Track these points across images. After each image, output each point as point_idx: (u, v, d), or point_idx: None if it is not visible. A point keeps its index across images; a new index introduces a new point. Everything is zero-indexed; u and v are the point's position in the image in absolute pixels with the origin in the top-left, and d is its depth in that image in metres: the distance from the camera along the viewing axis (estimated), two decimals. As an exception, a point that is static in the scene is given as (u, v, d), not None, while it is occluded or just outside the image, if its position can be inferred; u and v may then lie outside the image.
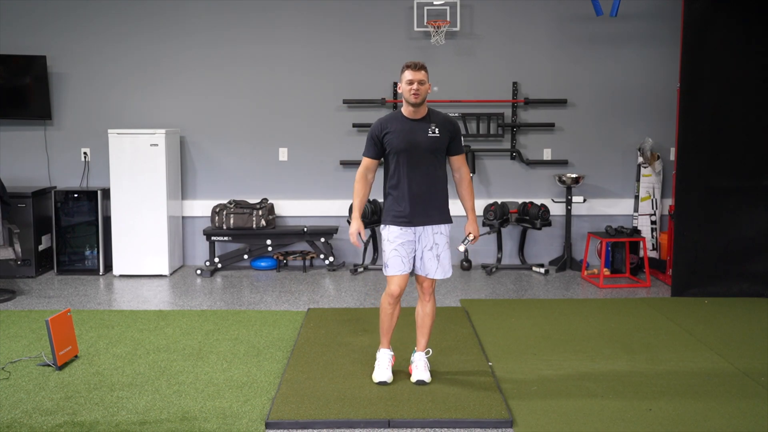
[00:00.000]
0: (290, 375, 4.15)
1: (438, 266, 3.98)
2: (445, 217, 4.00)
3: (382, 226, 4.04)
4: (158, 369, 4.30)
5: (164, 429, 3.49)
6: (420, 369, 4.03)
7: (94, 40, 7.10)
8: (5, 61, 6.93)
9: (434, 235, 3.96)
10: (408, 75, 3.83)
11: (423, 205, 3.92)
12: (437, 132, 3.90)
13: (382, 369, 4.07)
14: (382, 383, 4.01)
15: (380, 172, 4.11)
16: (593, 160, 7.20)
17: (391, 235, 3.96)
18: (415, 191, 3.90)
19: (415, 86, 3.81)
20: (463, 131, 7.11)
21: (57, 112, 7.16)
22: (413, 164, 3.89)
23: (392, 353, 4.18)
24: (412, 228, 3.95)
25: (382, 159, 4.04)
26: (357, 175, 4.04)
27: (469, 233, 4.03)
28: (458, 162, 4.03)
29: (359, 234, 3.99)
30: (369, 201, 6.82)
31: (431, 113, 3.97)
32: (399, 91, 3.94)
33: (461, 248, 4.06)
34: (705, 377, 4.16)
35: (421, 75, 3.83)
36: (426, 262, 3.98)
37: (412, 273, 4.05)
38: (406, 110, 3.93)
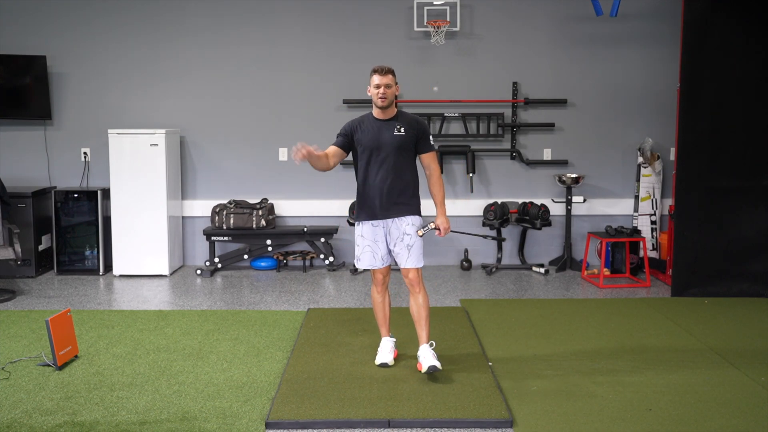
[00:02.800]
0: (290, 375, 4.15)
1: (409, 256, 4.16)
2: (412, 210, 4.19)
3: (356, 222, 4.27)
4: (158, 369, 4.30)
5: (164, 429, 3.49)
6: (428, 358, 4.08)
7: (94, 40, 7.10)
8: (5, 61, 6.93)
9: (405, 227, 4.16)
10: (375, 79, 4.09)
11: (389, 200, 4.14)
12: (402, 131, 4.14)
13: (384, 353, 4.33)
14: (383, 365, 4.27)
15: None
16: (593, 160, 7.20)
17: (364, 231, 4.22)
18: (381, 186, 4.13)
19: (381, 90, 4.08)
20: (462, 131, 7.12)
21: (57, 112, 7.16)
22: (379, 161, 4.13)
23: (393, 340, 4.40)
24: (381, 221, 4.17)
25: (349, 158, 4.30)
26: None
27: (431, 224, 4.19)
28: (427, 159, 4.25)
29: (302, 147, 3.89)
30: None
31: (399, 114, 4.22)
32: (369, 94, 4.17)
33: (420, 233, 4.16)
34: (705, 377, 4.16)
35: (387, 79, 4.09)
36: (397, 253, 4.18)
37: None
38: (375, 112, 4.20)
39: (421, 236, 4.15)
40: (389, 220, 4.17)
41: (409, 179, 4.19)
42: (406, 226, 4.15)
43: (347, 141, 4.21)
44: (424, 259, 4.23)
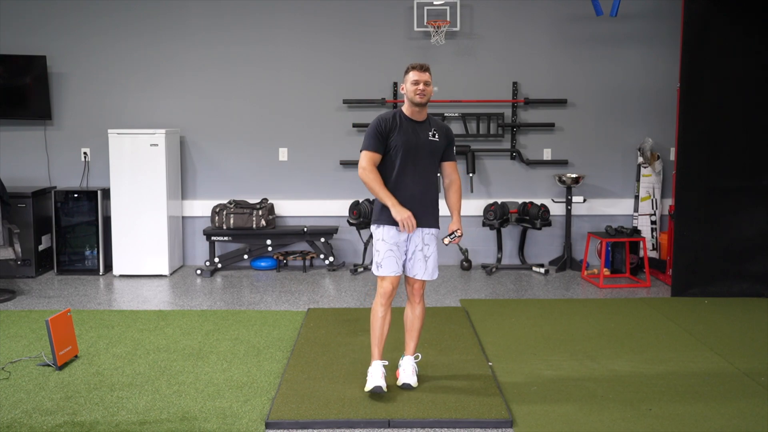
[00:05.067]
0: (290, 375, 4.15)
1: (426, 268, 3.98)
2: (436, 221, 4.03)
3: (374, 225, 3.98)
4: (158, 369, 4.30)
5: (164, 429, 3.49)
6: (407, 373, 3.98)
7: (94, 40, 7.10)
8: (5, 61, 6.93)
9: (424, 236, 3.97)
10: (413, 76, 3.87)
11: (418, 207, 3.92)
12: (437, 137, 3.96)
13: (376, 378, 3.89)
14: (378, 388, 3.82)
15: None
16: (593, 160, 7.21)
17: (386, 235, 3.92)
18: (413, 192, 3.91)
19: (421, 86, 3.86)
20: (462, 131, 7.12)
21: (57, 112, 7.16)
22: (413, 165, 3.91)
23: (385, 364, 4.01)
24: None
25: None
26: (367, 166, 3.88)
27: (457, 231, 3.98)
28: (450, 168, 4.07)
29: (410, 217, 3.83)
30: (369, 201, 6.83)
31: (430, 118, 4.02)
32: (402, 91, 3.96)
33: (446, 241, 3.99)
34: (705, 377, 4.16)
35: (426, 76, 3.89)
36: (415, 263, 3.98)
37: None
38: (408, 110, 3.94)
39: (447, 244, 4.00)
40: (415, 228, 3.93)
41: (435, 188, 4.01)
42: (426, 236, 3.96)
43: (384, 144, 3.90)
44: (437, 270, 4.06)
